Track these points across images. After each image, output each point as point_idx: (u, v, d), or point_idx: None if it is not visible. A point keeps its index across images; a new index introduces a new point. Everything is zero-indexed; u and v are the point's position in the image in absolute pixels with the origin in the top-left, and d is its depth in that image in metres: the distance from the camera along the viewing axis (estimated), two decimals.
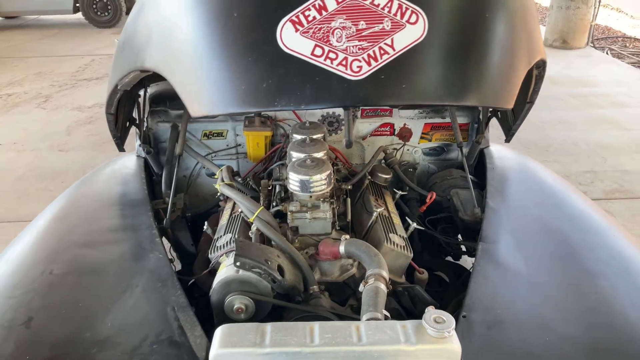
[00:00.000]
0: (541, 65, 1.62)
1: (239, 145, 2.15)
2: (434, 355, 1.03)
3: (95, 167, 2.09)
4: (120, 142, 1.98)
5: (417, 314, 1.35)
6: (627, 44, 9.07)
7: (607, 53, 8.28)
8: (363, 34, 1.12)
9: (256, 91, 1.17)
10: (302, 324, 1.07)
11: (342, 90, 1.12)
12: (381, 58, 1.11)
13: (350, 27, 1.12)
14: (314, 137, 1.71)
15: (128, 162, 2.02)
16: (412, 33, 1.15)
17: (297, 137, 1.73)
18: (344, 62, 1.11)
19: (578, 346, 1.11)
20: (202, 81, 1.24)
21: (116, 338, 1.12)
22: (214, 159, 2.12)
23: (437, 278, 1.83)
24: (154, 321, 1.17)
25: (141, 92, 2.00)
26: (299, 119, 2.06)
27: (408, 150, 2.20)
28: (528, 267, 1.36)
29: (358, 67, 1.10)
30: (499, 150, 2.09)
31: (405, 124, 2.14)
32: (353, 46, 1.12)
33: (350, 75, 1.11)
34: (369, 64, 1.11)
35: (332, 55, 1.11)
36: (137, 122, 2.01)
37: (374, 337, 1.04)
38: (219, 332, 1.06)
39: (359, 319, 1.19)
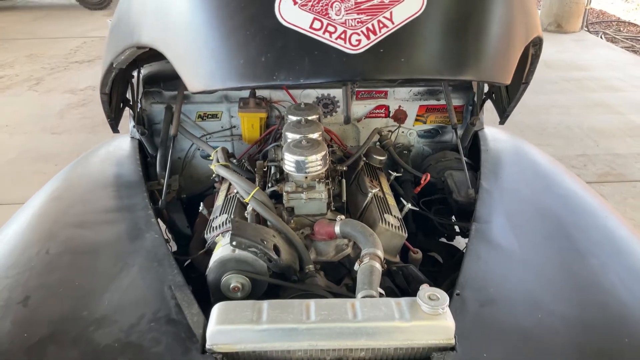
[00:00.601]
0: (537, 43, 1.62)
1: (234, 127, 2.14)
2: (428, 332, 1.05)
3: (89, 150, 2.08)
4: (114, 123, 1.97)
5: (411, 293, 1.36)
6: (622, 28, 9.06)
7: (601, 37, 8.27)
8: (362, 7, 1.11)
9: (255, 65, 1.16)
10: (298, 301, 1.09)
11: (341, 64, 1.12)
12: (380, 31, 1.10)
13: (349, 0, 1.11)
14: (310, 118, 1.71)
15: (122, 144, 2.01)
16: (411, 6, 1.14)
17: (293, 118, 1.73)
18: (342, 36, 1.10)
19: (569, 323, 1.13)
20: (199, 56, 1.23)
21: (113, 316, 1.13)
22: (208, 140, 2.12)
23: (430, 259, 1.84)
24: (151, 300, 1.18)
25: (135, 73, 1.99)
26: (293, 100, 2.06)
27: (403, 132, 2.20)
28: (521, 246, 1.38)
29: (357, 40, 1.10)
30: (493, 132, 2.10)
31: (400, 106, 2.14)
32: (352, 19, 1.11)
33: (349, 48, 1.10)
34: (367, 37, 1.10)
35: (330, 28, 1.10)
36: (131, 103, 2.00)
37: (369, 313, 1.05)
38: (216, 309, 1.07)
39: (354, 298, 1.21)
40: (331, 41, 1.10)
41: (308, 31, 1.12)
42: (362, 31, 1.10)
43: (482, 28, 1.23)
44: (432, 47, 1.19)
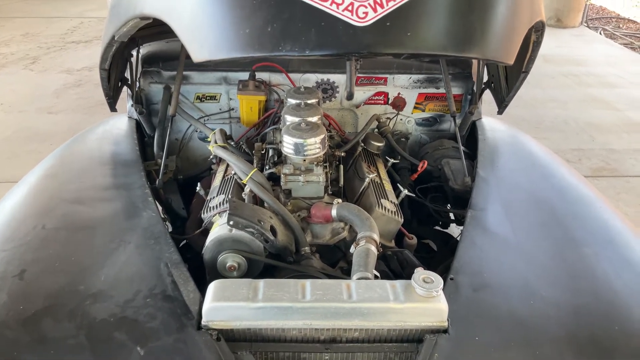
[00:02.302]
0: (540, 29, 1.61)
1: (232, 109, 2.13)
2: (421, 314, 1.06)
3: (85, 128, 2.07)
4: (112, 101, 1.96)
5: (405, 278, 1.36)
6: (621, 25, 9.05)
7: (600, 33, 8.27)
8: None
9: (260, 35, 1.14)
10: (294, 281, 1.10)
11: (347, 36, 1.10)
12: (387, 5, 1.09)
13: None
14: (309, 101, 1.71)
15: (120, 123, 2.00)
16: None
17: (292, 101, 1.72)
18: (349, 8, 1.09)
19: (562, 310, 1.14)
20: (204, 25, 1.22)
21: (110, 291, 1.13)
22: (206, 122, 2.11)
23: (425, 246, 1.86)
24: (147, 276, 1.19)
25: (134, 52, 1.97)
26: (293, 84, 2.05)
27: (401, 120, 2.20)
28: (515, 234, 1.39)
29: (364, 13, 1.09)
30: (491, 122, 2.11)
31: (399, 94, 2.14)
32: None
33: (356, 21, 1.09)
34: (374, 10, 1.09)
35: (338, 0, 1.10)
36: (130, 82, 1.99)
37: (364, 294, 1.07)
38: (212, 287, 1.08)
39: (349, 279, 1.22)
40: (338, 13, 1.09)
41: (315, 2, 1.10)
42: (369, 4, 1.09)
43: (488, 6, 1.22)
44: (438, 22, 1.18)
